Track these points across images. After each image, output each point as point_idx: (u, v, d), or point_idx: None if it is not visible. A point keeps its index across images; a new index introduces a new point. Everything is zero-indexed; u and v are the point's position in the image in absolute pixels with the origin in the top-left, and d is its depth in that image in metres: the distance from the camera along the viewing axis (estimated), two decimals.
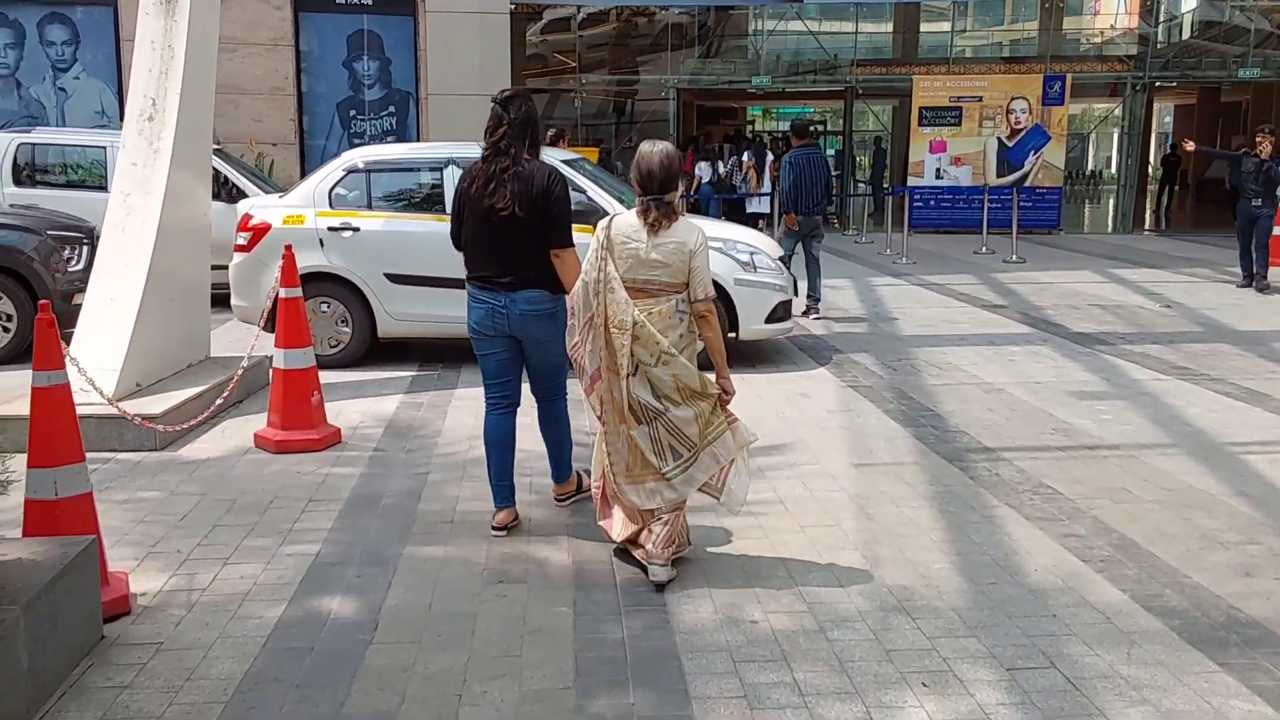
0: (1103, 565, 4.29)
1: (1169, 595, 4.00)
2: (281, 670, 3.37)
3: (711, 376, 4.15)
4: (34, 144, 11.31)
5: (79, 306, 6.46)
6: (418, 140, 16.13)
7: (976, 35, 30.49)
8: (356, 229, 7.84)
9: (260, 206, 8.21)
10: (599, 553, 4.40)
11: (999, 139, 19.81)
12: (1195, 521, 4.81)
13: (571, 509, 4.92)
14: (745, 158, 19.83)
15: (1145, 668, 3.44)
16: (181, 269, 6.81)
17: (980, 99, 19.85)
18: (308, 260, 7.67)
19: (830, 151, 32.48)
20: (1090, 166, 36.36)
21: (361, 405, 6.83)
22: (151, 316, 6.39)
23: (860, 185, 25.37)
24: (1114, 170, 32.31)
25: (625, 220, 4.13)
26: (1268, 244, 12.30)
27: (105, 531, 4.21)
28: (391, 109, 16.83)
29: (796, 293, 8.71)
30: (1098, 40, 28.01)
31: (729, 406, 4.16)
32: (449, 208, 7.84)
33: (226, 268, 8.07)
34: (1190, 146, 13.75)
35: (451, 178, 7.93)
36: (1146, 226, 22.28)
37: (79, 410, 3.81)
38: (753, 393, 7.16)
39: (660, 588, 3.99)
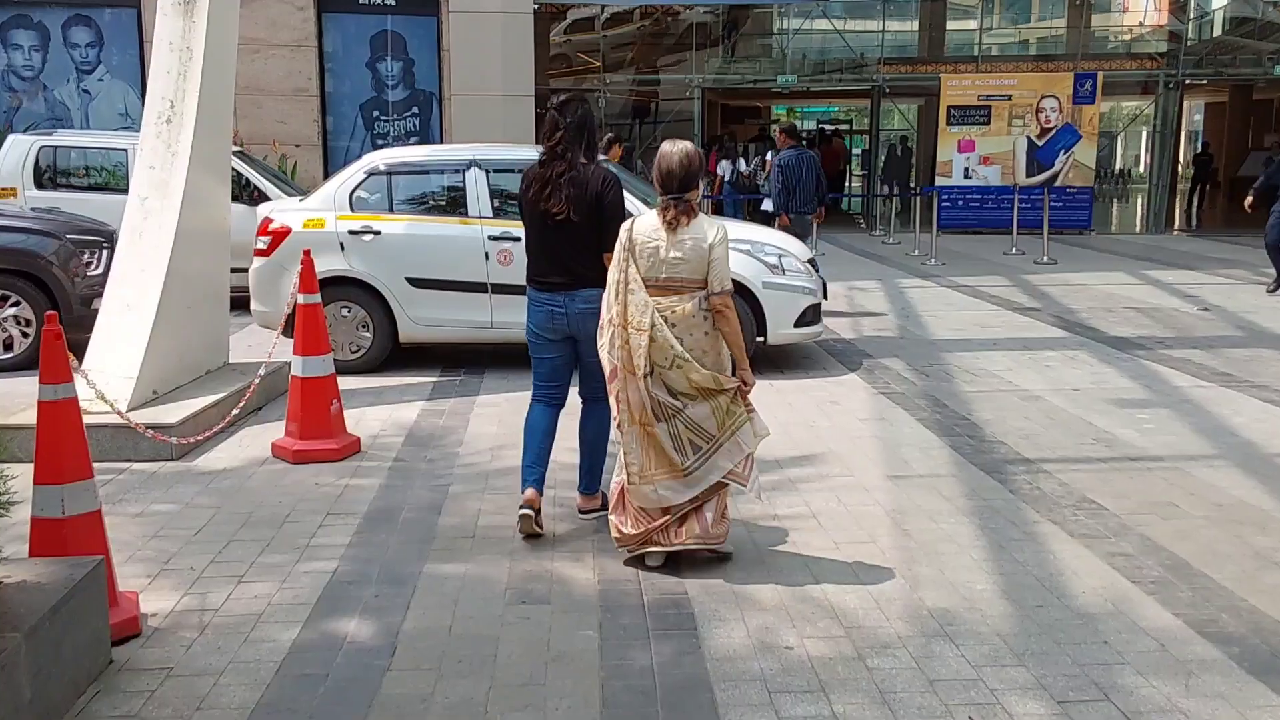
0: (1154, 587, 4.09)
1: (1225, 620, 3.80)
2: (295, 700, 3.22)
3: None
4: (55, 146, 11.24)
5: (98, 311, 6.36)
6: (441, 141, 16.03)
7: (1003, 33, 30.18)
8: (378, 232, 7.71)
9: (280, 210, 8.09)
10: (625, 571, 4.24)
11: (1029, 138, 19.52)
12: (1248, 540, 4.59)
13: (596, 523, 4.75)
14: (768, 157, 19.63)
15: (1206, 701, 3.24)
16: (200, 274, 6.70)
17: (1010, 98, 19.56)
18: (328, 264, 7.55)
19: (856, 150, 32.30)
20: (1119, 165, 35.94)
21: (382, 413, 6.69)
22: (169, 323, 6.28)
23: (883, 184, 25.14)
24: (1144, 169, 31.95)
25: (646, 221, 4.19)
26: None
27: (117, 547, 4.11)
28: (415, 110, 16.73)
29: (826, 295, 8.53)
30: (1126, 38, 27.65)
31: (749, 397, 4.23)
32: (472, 210, 7.79)
33: (246, 270, 7.97)
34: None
35: (474, 180, 7.79)
36: (1178, 226, 21.92)
37: (92, 420, 3.70)
38: (782, 400, 6.98)
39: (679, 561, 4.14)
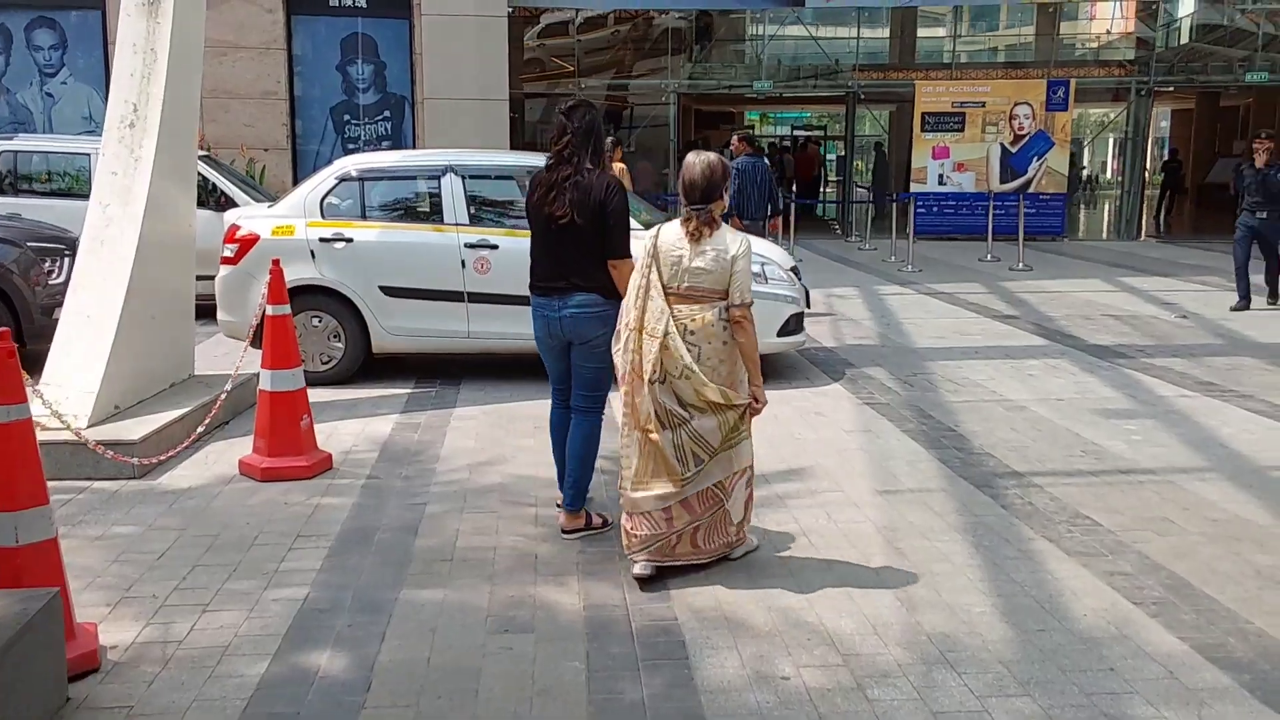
0: (1156, 608, 3.96)
1: (1233, 644, 3.68)
2: None
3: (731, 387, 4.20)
4: (16, 151, 10.95)
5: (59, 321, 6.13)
6: (414, 146, 15.81)
7: (974, 40, 30.27)
8: (349, 240, 7.50)
9: (248, 217, 7.86)
10: (611, 594, 4.07)
11: (1002, 145, 19.51)
12: (1248, 557, 4.49)
13: (581, 542, 4.59)
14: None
15: None
16: (164, 283, 6.47)
17: (983, 104, 19.54)
18: (298, 272, 7.34)
19: (830, 157, 32.30)
20: (1087, 172, 36.11)
21: (354, 427, 6.48)
22: (131, 334, 6.05)
23: (860, 190, 25.11)
24: (1113, 176, 32.13)
25: (671, 229, 4.23)
26: (1276, 253, 11.28)
27: (76, 573, 3.90)
28: (386, 114, 16.50)
29: (809, 304, 8.40)
30: (1094, 45, 27.77)
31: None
32: (447, 217, 7.59)
33: (213, 278, 7.73)
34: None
35: (450, 186, 7.60)
36: (1149, 233, 21.99)
37: (50, 436, 3.49)
38: (766, 411, 6.69)
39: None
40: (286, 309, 5.56)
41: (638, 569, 4.15)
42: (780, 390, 7.53)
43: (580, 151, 4.45)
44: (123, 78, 6.45)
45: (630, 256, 4.44)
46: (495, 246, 7.44)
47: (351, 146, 16.01)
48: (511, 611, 3.91)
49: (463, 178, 7.63)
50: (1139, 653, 3.61)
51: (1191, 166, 28.56)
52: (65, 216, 9.13)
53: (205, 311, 7.87)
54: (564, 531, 4.65)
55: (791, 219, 15.94)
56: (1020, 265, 14.98)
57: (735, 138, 11.34)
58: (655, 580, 4.14)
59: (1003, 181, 19.38)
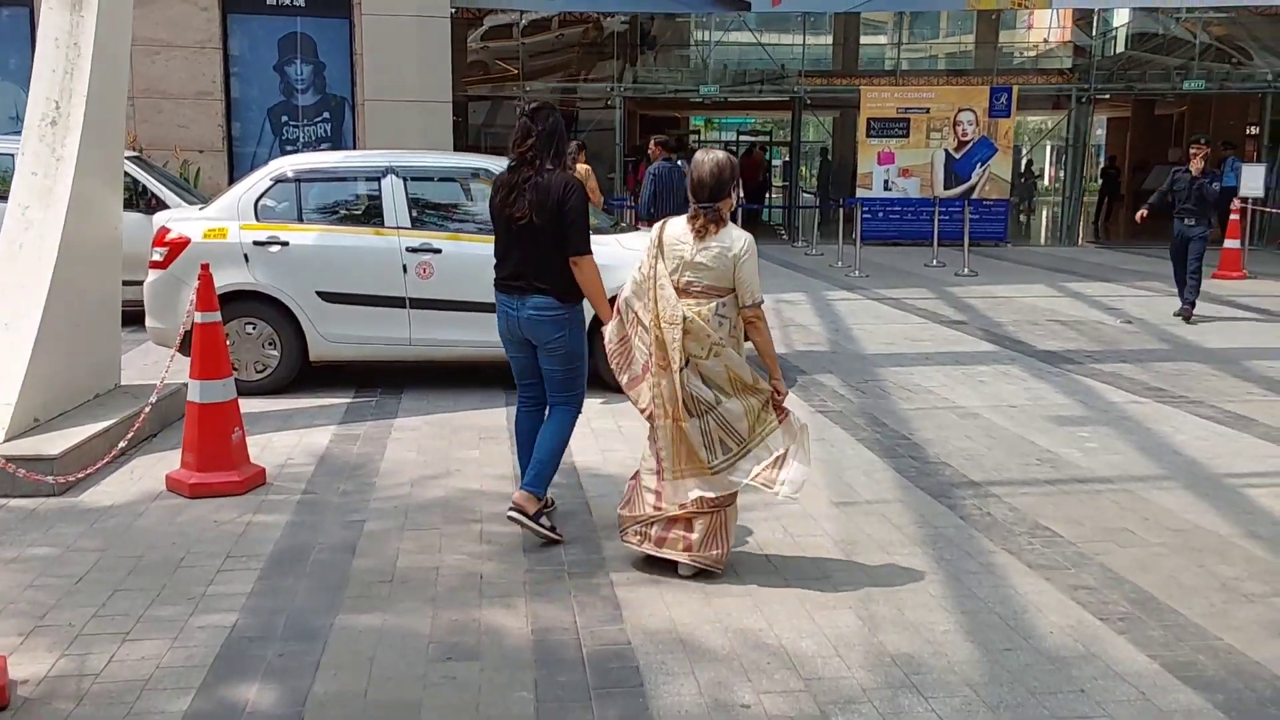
0: (1122, 624, 3.85)
1: (1203, 662, 3.57)
2: None
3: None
4: None
5: None
6: (354, 149, 15.46)
7: (916, 48, 30.54)
8: (285, 243, 7.22)
9: (178, 219, 7.53)
10: (561, 616, 3.87)
11: (947, 151, 19.61)
12: (1211, 569, 4.41)
13: (529, 560, 4.38)
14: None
15: None
16: (88, 289, 6.15)
17: (928, 110, 19.63)
18: (231, 277, 7.06)
19: (776, 162, 32.37)
20: (1042, 180, 36.57)
21: (290, 438, 6.21)
22: (52, 343, 5.73)
23: (806, 195, 25.14)
24: (1050, 183, 32.58)
25: (677, 224, 4.26)
26: (1200, 268, 11.04)
27: None
28: (326, 115, 16.11)
29: None
30: (1032, 54, 28.13)
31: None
32: (388, 220, 7.34)
33: (142, 284, 7.40)
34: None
35: (391, 188, 7.35)
36: (1089, 239, 22.25)
37: None
38: None
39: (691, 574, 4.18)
40: (216, 316, 5.28)
41: (688, 571, 4.20)
42: None
43: (543, 154, 4.49)
44: (44, 74, 6.14)
45: (591, 254, 4.51)
46: (438, 250, 7.20)
47: (290, 148, 15.60)
48: (455, 637, 3.69)
49: (404, 179, 7.38)
50: (1108, 672, 3.49)
51: (1127, 174, 29.00)
52: None
53: (135, 318, 7.54)
54: (513, 507, 4.46)
55: (738, 223, 15.83)
56: (966, 270, 15.02)
57: (652, 142, 11.40)
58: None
59: (947, 187, 19.47)
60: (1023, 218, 27.59)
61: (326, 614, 3.85)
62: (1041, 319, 11.11)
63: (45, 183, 5.97)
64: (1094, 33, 24.28)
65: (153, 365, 7.67)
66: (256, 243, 7.19)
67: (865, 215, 17.23)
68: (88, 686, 3.32)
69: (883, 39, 28.89)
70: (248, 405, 6.55)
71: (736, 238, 4.15)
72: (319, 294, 7.20)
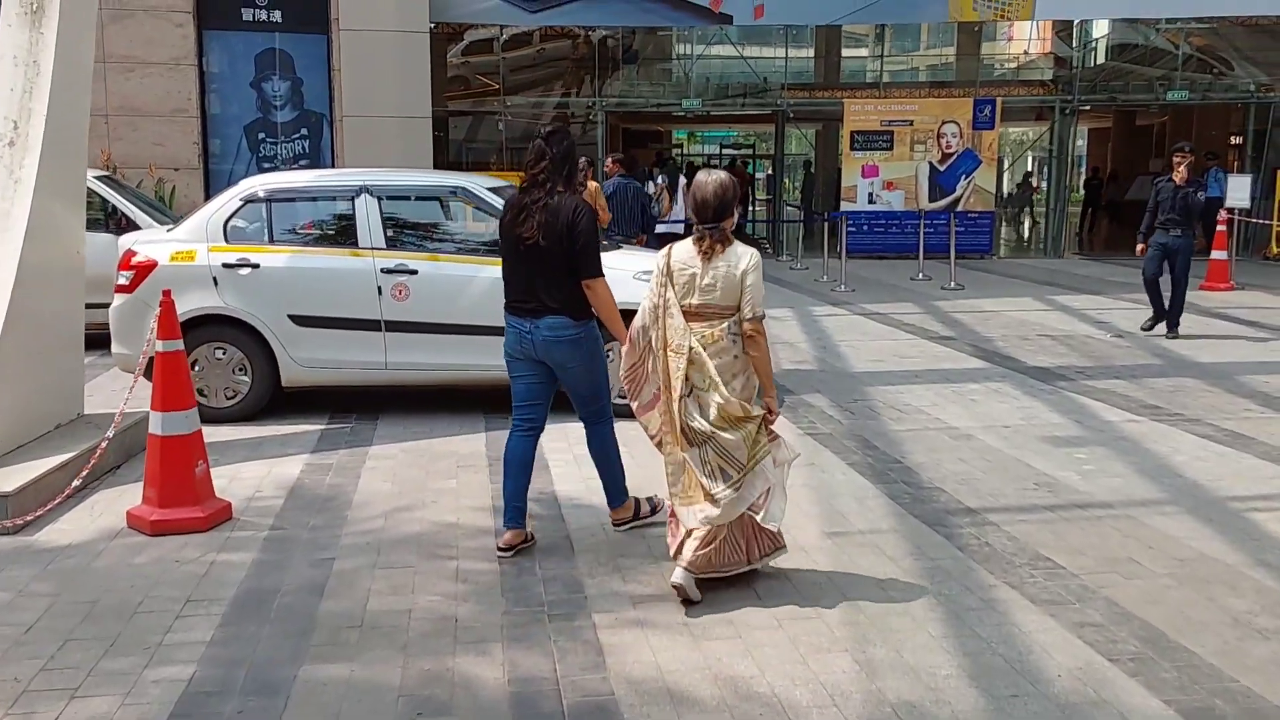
0: (1134, 665, 3.66)
1: (1221, 707, 3.37)
2: None
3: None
4: None
5: None
6: (333, 165, 15.23)
7: (898, 60, 30.49)
8: (256, 265, 6.99)
9: (145, 241, 7.30)
10: (540, 664, 3.65)
11: (931, 163, 19.51)
12: (1221, 602, 4.22)
13: (506, 601, 4.16)
14: (659, 180, 19.29)
15: None
16: (49, 314, 5.92)
17: (911, 123, 19.53)
18: (200, 301, 6.84)
19: (760, 175, 32.27)
20: (1008, 191, 36.59)
21: (259, 469, 5.97)
22: (10, 371, 5.50)
23: (790, 209, 25.03)
24: (1036, 195, 32.54)
25: (683, 247, 4.25)
26: (1185, 280, 10.76)
27: None
28: (304, 132, 15.90)
29: None
30: (1013, 66, 28.11)
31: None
32: (363, 241, 7.12)
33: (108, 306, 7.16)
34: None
35: (365, 207, 7.13)
36: (1074, 250, 22.18)
37: None
38: None
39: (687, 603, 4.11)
40: (179, 344, 5.05)
41: (679, 578, 4.15)
42: None
43: (555, 176, 4.54)
44: (2, 92, 5.91)
45: (603, 275, 4.58)
46: (414, 272, 6.98)
47: (267, 165, 15.37)
48: (427, 689, 3.46)
49: (379, 199, 7.17)
50: None
51: (1109, 185, 28.98)
52: None
53: (102, 343, 7.29)
54: (615, 524, 4.93)
55: None
56: (953, 284, 14.88)
57: (609, 159, 11.35)
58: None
59: (932, 200, 19.37)
60: (1025, 226, 27.59)
61: (290, 664, 3.62)
62: (1031, 333, 10.95)
63: (3, 205, 5.76)
64: (1075, 44, 24.22)
65: (121, 391, 7.36)
66: (226, 265, 6.97)
67: (850, 229, 17.09)
68: None
69: (864, 51, 28.83)
70: (217, 433, 6.33)
71: (743, 254, 4.16)
72: (291, 317, 6.97)
